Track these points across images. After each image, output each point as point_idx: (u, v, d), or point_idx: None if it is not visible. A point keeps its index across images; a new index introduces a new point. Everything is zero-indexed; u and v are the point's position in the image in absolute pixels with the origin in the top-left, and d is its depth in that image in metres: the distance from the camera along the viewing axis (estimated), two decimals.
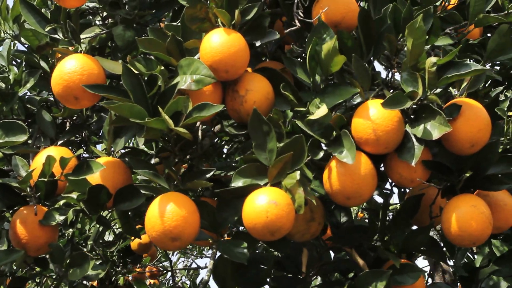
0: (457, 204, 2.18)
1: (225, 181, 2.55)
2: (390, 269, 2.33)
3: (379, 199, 3.86)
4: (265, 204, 2.01)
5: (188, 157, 2.42)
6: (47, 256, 2.56)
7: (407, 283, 2.35)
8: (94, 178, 2.30)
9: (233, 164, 2.73)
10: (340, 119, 2.15)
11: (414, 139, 2.15)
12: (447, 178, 2.26)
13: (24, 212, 2.35)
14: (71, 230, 3.13)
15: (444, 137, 2.10)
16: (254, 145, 2.12)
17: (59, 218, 2.31)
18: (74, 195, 2.30)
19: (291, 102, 2.22)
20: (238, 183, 2.13)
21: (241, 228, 3.32)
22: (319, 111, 2.10)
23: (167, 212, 2.07)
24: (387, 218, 2.60)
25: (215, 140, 3.09)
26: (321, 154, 2.15)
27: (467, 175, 2.18)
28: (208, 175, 2.26)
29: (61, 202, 2.37)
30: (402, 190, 2.97)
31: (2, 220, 2.41)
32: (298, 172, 2.06)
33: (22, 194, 2.39)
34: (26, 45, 2.88)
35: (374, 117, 2.12)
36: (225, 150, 3.65)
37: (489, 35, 2.96)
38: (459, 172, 2.24)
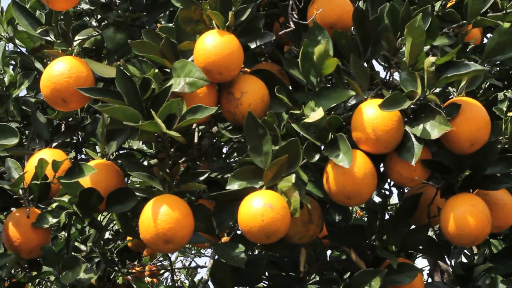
0: (456, 203, 2.17)
1: (222, 183, 2.53)
2: (388, 268, 2.31)
3: (377, 199, 3.86)
4: (260, 207, 1.99)
5: (184, 159, 2.39)
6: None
7: (404, 283, 2.34)
8: (87, 181, 2.29)
9: (232, 165, 2.71)
10: (336, 120, 2.13)
11: (413, 139, 2.13)
12: (446, 177, 2.25)
13: (16, 214, 2.34)
14: (73, 231, 3.12)
15: (443, 136, 2.08)
16: (249, 148, 2.11)
17: (52, 220, 2.31)
18: (66, 198, 2.30)
19: (286, 105, 2.21)
20: (233, 186, 2.12)
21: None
22: (315, 114, 2.08)
23: (160, 214, 2.07)
24: (385, 218, 2.57)
25: (214, 140, 3.07)
26: (317, 157, 2.14)
27: (466, 173, 2.16)
28: (202, 178, 2.24)
29: (54, 205, 2.37)
30: (402, 190, 2.95)
31: None
32: (294, 175, 2.04)
33: (15, 196, 2.38)
34: (18, 47, 2.88)
35: (374, 116, 2.10)
36: (224, 150, 3.64)
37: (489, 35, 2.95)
38: (458, 172, 2.23)
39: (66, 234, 2.96)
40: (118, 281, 3.98)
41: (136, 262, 4.53)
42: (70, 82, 2.27)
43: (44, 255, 2.38)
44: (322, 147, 2.17)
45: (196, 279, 6.15)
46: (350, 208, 3.43)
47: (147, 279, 5.58)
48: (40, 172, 2.30)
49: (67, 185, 2.25)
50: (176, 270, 6.60)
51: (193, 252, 6.99)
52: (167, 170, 2.24)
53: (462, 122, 2.12)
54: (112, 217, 3.83)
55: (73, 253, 2.68)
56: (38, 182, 2.32)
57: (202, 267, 6.25)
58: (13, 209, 2.40)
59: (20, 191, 2.34)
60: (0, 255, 2.28)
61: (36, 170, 2.30)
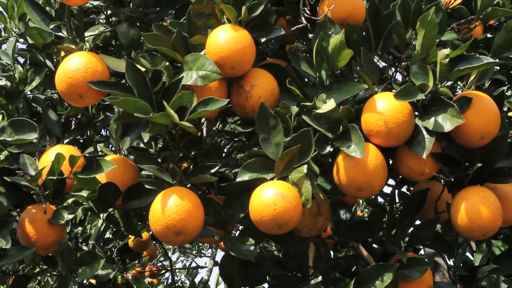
0: (467, 196, 2.17)
1: (231, 178, 2.54)
2: (397, 263, 2.32)
3: (380, 199, 3.88)
4: (272, 197, 2.00)
5: (193, 152, 2.40)
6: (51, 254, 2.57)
7: (414, 277, 2.34)
8: (103, 176, 2.30)
9: (236, 163, 2.72)
10: (348, 112, 2.13)
11: (424, 132, 2.14)
12: (456, 171, 2.24)
13: (32, 211, 2.34)
14: (80, 228, 3.13)
15: (454, 130, 2.09)
16: (260, 139, 2.12)
17: (68, 216, 2.32)
18: (84, 193, 2.30)
19: (297, 97, 2.22)
20: (244, 177, 2.12)
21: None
22: (327, 105, 2.09)
23: (170, 206, 2.06)
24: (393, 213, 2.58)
25: (216, 139, 3.08)
26: (328, 148, 2.15)
27: (478, 165, 2.16)
28: (213, 170, 2.24)
29: (70, 201, 2.38)
30: (408, 186, 2.95)
31: (9, 218, 2.40)
32: (305, 166, 2.05)
33: (30, 192, 2.39)
34: (28, 44, 2.88)
35: (385, 109, 2.11)
36: (225, 150, 3.66)
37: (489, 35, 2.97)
38: (468, 165, 2.23)
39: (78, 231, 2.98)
40: (117, 280, 3.99)
41: (136, 262, 4.54)
42: (87, 77, 2.28)
43: (61, 251, 2.40)
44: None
45: (196, 279, 6.16)
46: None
47: (148, 279, 5.58)
48: (56, 167, 2.31)
49: (84, 181, 2.25)
50: (176, 270, 6.60)
51: (193, 252, 7.00)
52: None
53: (472, 115, 2.12)
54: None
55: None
56: (54, 178, 2.32)
57: (202, 267, 6.26)
58: (26, 206, 2.40)
59: (36, 187, 2.35)
60: (20, 248, 2.28)
61: (52, 166, 2.31)
